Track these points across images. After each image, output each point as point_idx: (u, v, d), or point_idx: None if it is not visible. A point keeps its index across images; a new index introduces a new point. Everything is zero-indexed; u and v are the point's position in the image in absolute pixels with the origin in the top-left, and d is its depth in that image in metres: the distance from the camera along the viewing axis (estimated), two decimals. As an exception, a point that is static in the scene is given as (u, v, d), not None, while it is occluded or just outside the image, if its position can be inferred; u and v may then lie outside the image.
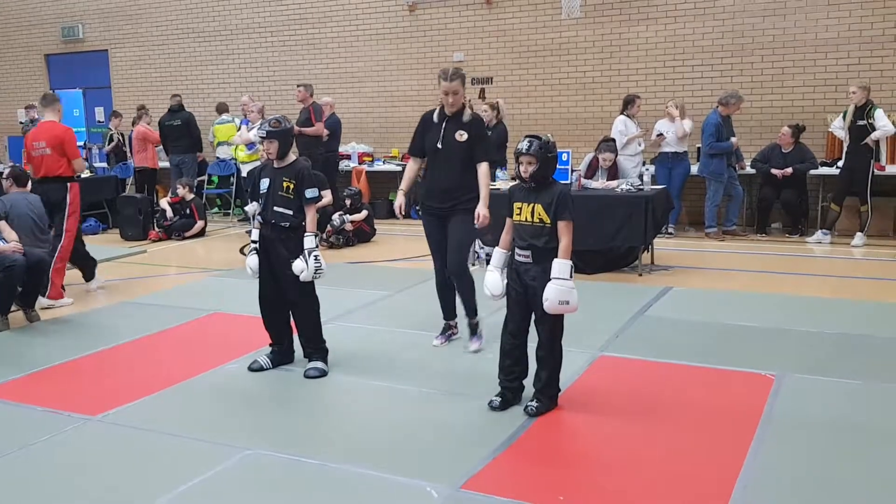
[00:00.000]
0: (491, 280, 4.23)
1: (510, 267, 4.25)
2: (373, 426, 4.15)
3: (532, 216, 4.09)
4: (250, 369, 4.99)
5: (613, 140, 8.80)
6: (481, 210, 4.94)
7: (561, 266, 3.98)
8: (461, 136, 5.02)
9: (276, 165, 4.92)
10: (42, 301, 6.66)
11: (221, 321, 6.32)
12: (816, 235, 9.31)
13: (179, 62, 14.41)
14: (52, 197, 6.93)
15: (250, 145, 11.19)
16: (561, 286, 3.94)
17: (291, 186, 4.83)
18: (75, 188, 6.99)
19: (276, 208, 4.84)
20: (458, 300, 5.35)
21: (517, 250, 4.18)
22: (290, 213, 4.83)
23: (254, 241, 4.98)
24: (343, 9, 12.89)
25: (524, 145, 4.08)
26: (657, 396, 4.46)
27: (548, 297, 3.95)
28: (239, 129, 11.60)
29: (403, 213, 5.56)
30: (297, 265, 4.73)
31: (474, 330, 5.32)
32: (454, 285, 5.28)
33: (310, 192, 4.83)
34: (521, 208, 4.16)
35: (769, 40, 10.34)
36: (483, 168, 5.05)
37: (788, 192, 9.64)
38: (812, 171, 9.69)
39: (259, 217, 4.95)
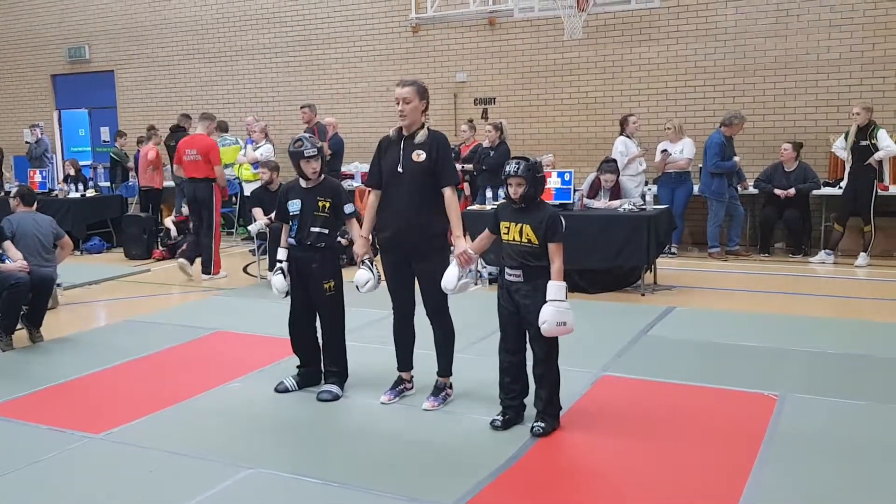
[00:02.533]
0: (448, 274, 4.31)
1: (500, 286, 4.27)
2: (373, 445, 4.14)
3: (520, 236, 4.11)
4: (276, 391, 4.95)
5: (615, 161, 8.83)
6: (458, 247, 4.31)
7: (556, 288, 4.00)
8: (418, 156, 4.43)
9: (304, 185, 4.86)
10: (201, 276, 8.80)
11: (224, 340, 6.32)
12: (820, 255, 9.30)
13: (184, 83, 14.52)
14: (199, 195, 8.92)
15: (255, 164, 11.25)
16: (557, 308, 3.97)
17: (328, 205, 4.79)
18: (217, 189, 8.96)
19: (313, 229, 4.78)
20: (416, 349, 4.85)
21: (507, 269, 4.21)
22: (327, 232, 4.82)
23: (280, 261, 4.90)
24: (347, 30, 13.00)
25: (512, 168, 4.12)
26: (660, 416, 4.44)
27: (545, 319, 3.97)
28: (244, 148, 11.66)
29: (369, 260, 4.72)
30: (362, 275, 4.62)
31: (440, 390, 4.69)
32: (413, 332, 4.77)
33: (348, 208, 4.84)
34: (508, 227, 4.18)
35: (771, 61, 10.40)
36: (448, 193, 4.42)
37: (791, 211, 9.64)
38: (815, 192, 9.70)
39: (292, 239, 4.85)
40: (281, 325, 6.60)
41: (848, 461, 3.80)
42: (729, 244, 9.80)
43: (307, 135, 4.87)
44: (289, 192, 4.91)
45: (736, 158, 9.58)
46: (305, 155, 4.74)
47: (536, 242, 4.09)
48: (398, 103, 4.53)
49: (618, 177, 8.37)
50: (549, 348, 4.16)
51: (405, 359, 4.83)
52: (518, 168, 4.10)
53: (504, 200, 4.33)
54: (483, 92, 12.14)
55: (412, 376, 4.87)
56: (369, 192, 4.70)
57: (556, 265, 4.06)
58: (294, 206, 4.80)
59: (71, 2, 15.38)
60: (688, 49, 10.83)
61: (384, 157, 4.60)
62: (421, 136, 4.50)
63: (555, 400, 4.22)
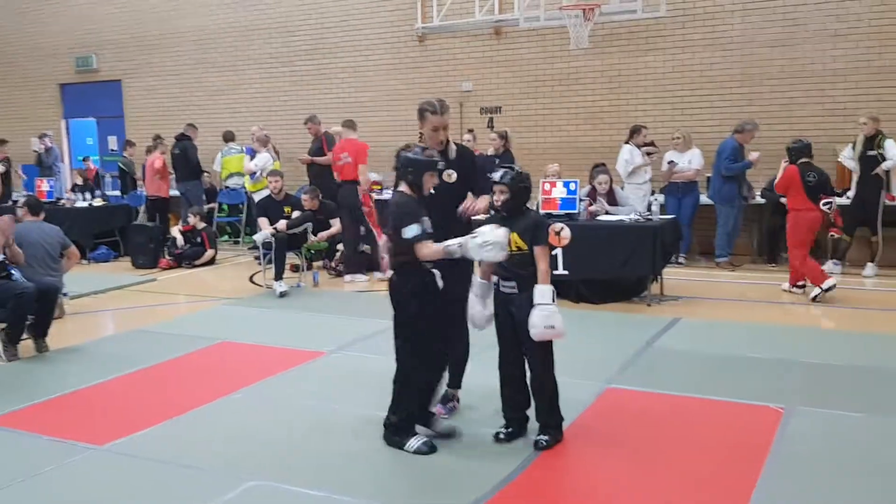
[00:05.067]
0: (473, 311, 4.25)
1: (496, 298, 4.26)
2: (378, 457, 4.13)
3: (510, 245, 4.08)
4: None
5: (604, 164, 8.85)
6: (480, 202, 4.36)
7: (542, 291, 4.03)
8: (449, 176, 4.40)
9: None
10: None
11: (229, 350, 6.32)
12: (827, 265, 9.23)
13: (191, 92, 14.58)
14: (350, 200, 9.17)
15: (252, 175, 11.29)
16: (544, 311, 3.98)
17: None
18: (364, 193, 9.33)
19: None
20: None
21: (501, 281, 4.22)
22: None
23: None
24: (353, 40, 13.03)
25: (497, 175, 4.19)
26: (664, 430, 4.42)
27: (533, 323, 3.98)
28: (252, 158, 11.67)
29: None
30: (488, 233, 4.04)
31: (448, 399, 4.69)
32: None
33: (407, 232, 4.12)
34: None
35: (778, 70, 10.38)
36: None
37: (798, 221, 9.57)
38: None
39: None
40: (286, 336, 6.65)
41: (855, 476, 3.77)
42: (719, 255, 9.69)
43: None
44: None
45: (754, 154, 9.48)
46: (439, 167, 4.20)
47: (525, 248, 4.12)
48: (437, 131, 4.45)
49: (611, 180, 8.29)
50: (543, 357, 4.16)
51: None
52: (503, 176, 4.16)
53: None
54: (489, 101, 12.15)
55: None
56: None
57: (542, 267, 4.09)
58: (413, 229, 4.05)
59: (79, 12, 15.47)
60: (694, 58, 10.82)
61: None
62: (452, 153, 4.51)
63: (555, 411, 4.20)
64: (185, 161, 12.02)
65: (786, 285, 8.18)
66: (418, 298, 4.10)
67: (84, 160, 13.79)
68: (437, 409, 4.56)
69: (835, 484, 3.69)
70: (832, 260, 9.28)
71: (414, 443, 4.13)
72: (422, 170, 4.12)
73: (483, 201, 4.39)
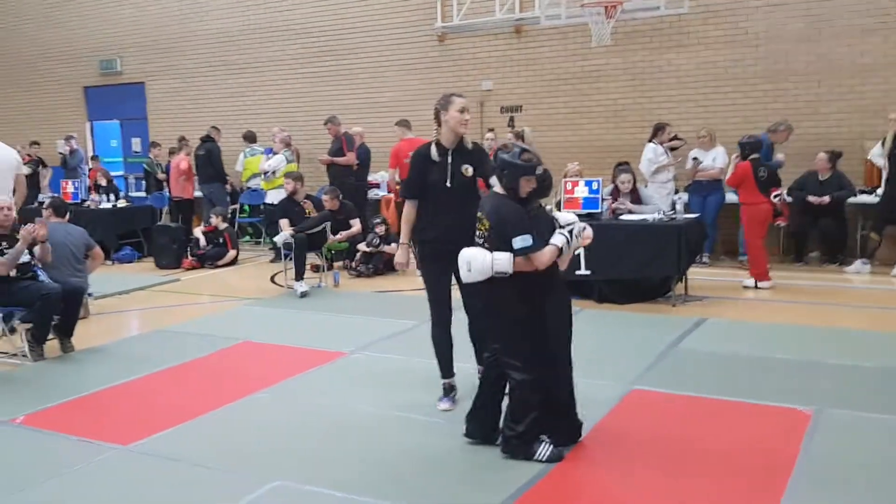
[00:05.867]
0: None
1: None
2: (397, 460, 4.10)
3: None
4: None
5: (627, 162, 8.78)
6: None
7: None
8: (467, 170, 4.59)
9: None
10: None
11: (252, 350, 6.33)
12: (855, 265, 9.11)
13: (213, 94, 14.65)
14: None
15: (265, 174, 11.35)
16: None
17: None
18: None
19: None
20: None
21: None
22: None
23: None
24: (373, 40, 13.03)
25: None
26: (690, 432, 4.36)
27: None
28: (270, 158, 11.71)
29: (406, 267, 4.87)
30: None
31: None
32: (451, 339, 4.82)
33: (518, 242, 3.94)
34: None
35: (803, 66, 10.24)
36: None
37: (826, 220, 9.47)
38: (850, 199, 9.51)
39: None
40: (308, 336, 6.65)
41: (886, 481, 3.68)
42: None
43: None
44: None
45: (780, 156, 9.39)
46: (537, 173, 4.03)
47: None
48: (464, 112, 4.56)
49: (635, 179, 8.24)
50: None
51: (449, 365, 4.86)
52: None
53: None
54: (509, 100, 12.10)
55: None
56: (403, 201, 4.72)
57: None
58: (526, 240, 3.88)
59: (103, 16, 15.60)
60: (718, 55, 10.70)
61: (429, 172, 4.62)
62: (469, 143, 4.68)
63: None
64: (210, 163, 12.06)
65: (749, 282, 8.37)
66: (526, 304, 3.96)
67: (93, 159, 13.89)
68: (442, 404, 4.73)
69: (867, 489, 3.62)
70: (861, 259, 9.14)
71: (544, 451, 3.94)
72: (518, 174, 3.97)
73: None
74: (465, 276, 3.99)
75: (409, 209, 4.69)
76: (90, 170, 13.43)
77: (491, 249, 3.94)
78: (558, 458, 3.93)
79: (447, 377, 4.87)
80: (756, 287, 8.23)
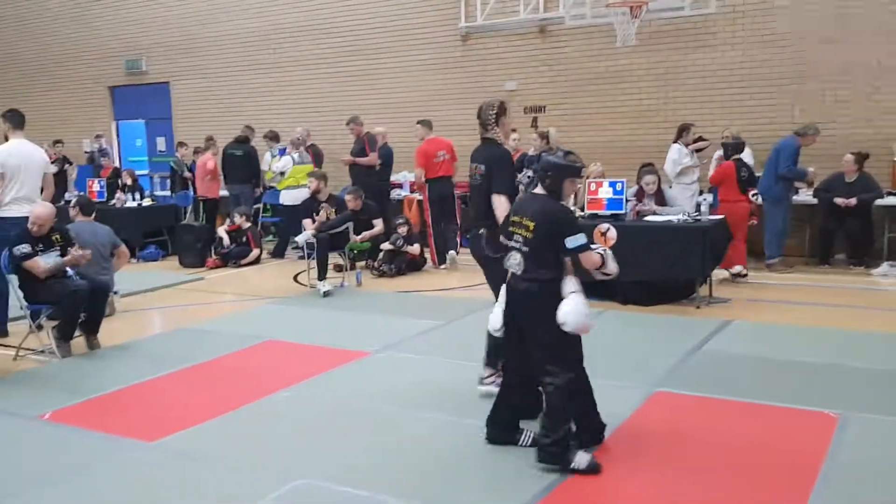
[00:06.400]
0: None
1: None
2: (421, 460, 4.10)
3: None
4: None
5: (651, 164, 8.75)
6: None
7: None
8: (477, 168, 4.96)
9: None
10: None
11: (275, 349, 6.36)
12: (882, 267, 8.99)
13: (237, 94, 14.74)
14: (446, 192, 9.90)
15: (275, 175, 11.45)
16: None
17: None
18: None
19: None
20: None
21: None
22: None
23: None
24: (396, 39, 13.05)
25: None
26: (714, 435, 4.32)
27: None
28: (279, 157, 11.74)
29: None
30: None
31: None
32: None
33: (571, 242, 3.90)
34: None
35: (829, 67, 10.12)
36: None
37: (852, 222, 9.36)
38: (877, 201, 9.39)
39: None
40: (331, 335, 6.67)
41: (917, 486, 3.63)
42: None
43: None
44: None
45: (810, 169, 9.33)
46: (573, 173, 4.00)
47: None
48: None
49: (659, 181, 8.23)
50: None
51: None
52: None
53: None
54: (533, 100, 12.06)
55: None
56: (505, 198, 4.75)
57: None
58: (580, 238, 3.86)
59: (128, 15, 15.76)
60: (744, 55, 10.61)
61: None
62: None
63: None
64: (248, 164, 12.07)
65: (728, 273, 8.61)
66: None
67: (103, 156, 14.00)
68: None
69: (894, 496, 3.57)
70: (888, 262, 9.03)
71: (582, 460, 3.81)
72: (564, 175, 3.90)
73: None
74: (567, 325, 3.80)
75: (508, 206, 4.59)
76: (103, 168, 13.51)
77: (533, 253, 3.85)
78: (595, 469, 3.80)
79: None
80: (732, 275, 8.62)
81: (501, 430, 4.19)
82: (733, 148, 8.90)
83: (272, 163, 11.85)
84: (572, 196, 4.21)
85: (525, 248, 3.89)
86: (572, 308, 3.81)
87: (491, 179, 4.85)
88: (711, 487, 3.69)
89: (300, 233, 8.95)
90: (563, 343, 3.86)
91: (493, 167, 4.86)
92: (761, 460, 3.97)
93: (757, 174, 9.67)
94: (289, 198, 10.77)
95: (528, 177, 9.88)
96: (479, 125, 4.99)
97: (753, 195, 8.48)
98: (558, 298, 3.83)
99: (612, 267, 4.04)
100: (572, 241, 3.78)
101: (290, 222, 11.25)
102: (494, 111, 4.90)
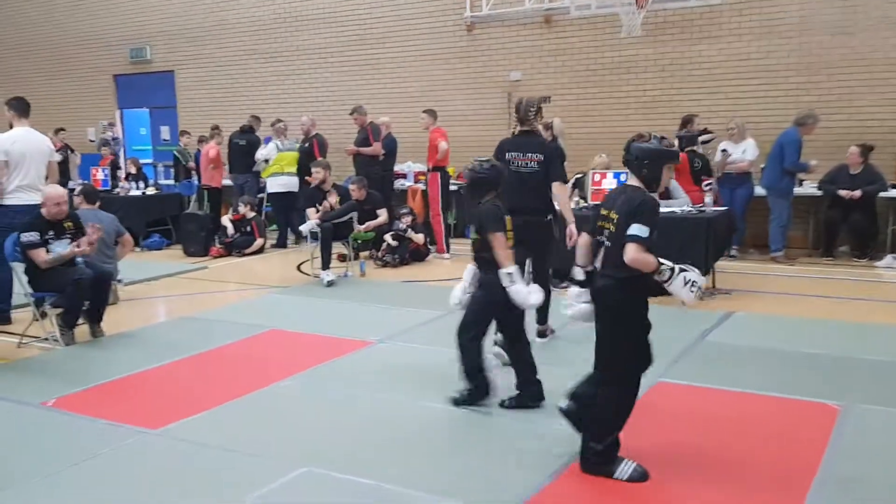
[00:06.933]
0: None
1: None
2: (425, 447, 4.12)
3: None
4: None
5: None
6: None
7: (503, 273, 4.42)
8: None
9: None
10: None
11: (279, 338, 6.38)
12: (886, 260, 8.99)
13: (241, 83, 14.74)
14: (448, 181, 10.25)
15: (257, 163, 11.51)
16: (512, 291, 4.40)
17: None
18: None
19: None
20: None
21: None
22: None
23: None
24: (402, 29, 13.02)
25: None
26: (716, 425, 4.33)
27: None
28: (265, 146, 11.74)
29: None
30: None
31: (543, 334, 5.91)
32: None
33: (635, 230, 3.62)
34: None
35: (836, 59, 10.09)
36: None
37: (857, 214, 9.34)
38: (882, 194, 9.37)
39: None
40: (334, 325, 6.69)
41: (918, 477, 3.64)
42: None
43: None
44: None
45: (813, 162, 9.30)
46: (671, 158, 3.79)
47: (477, 236, 4.59)
48: None
49: None
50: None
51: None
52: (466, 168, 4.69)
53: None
54: (538, 91, 11.96)
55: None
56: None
57: (497, 252, 4.44)
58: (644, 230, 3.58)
59: (133, 4, 15.75)
60: (750, 46, 10.57)
61: None
62: None
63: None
64: (252, 154, 12.09)
65: None
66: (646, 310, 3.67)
67: (104, 146, 14.02)
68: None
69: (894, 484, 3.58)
70: (892, 254, 9.03)
71: (627, 469, 3.66)
72: (663, 161, 3.68)
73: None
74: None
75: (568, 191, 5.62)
76: (102, 157, 13.52)
77: (613, 248, 3.61)
78: (643, 478, 3.64)
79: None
80: None
81: (579, 407, 3.89)
82: (687, 140, 9.28)
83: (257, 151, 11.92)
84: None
85: (608, 243, 3.67)
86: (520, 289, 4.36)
87: (549, 168, 5.56)
88: (712, 477, 3.69)
89: (291, 218, 8.97)
90: (630, 346, 3.68)
91: (553, 158, 5.60)
92: (762, 451, 3.98)
93: (762, 166, 9.67)
94: (275, 185, 10.90)
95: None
96: (518, 119, 5.68)
97: (707, 185, 8.50)
98: (635, 298, 3.67)
99: (682, 292, 3.63)
100: (633, 229, 3.50)
101: (279, 209, 11.30)
102: (535, 108, 5.64)
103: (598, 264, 3.77)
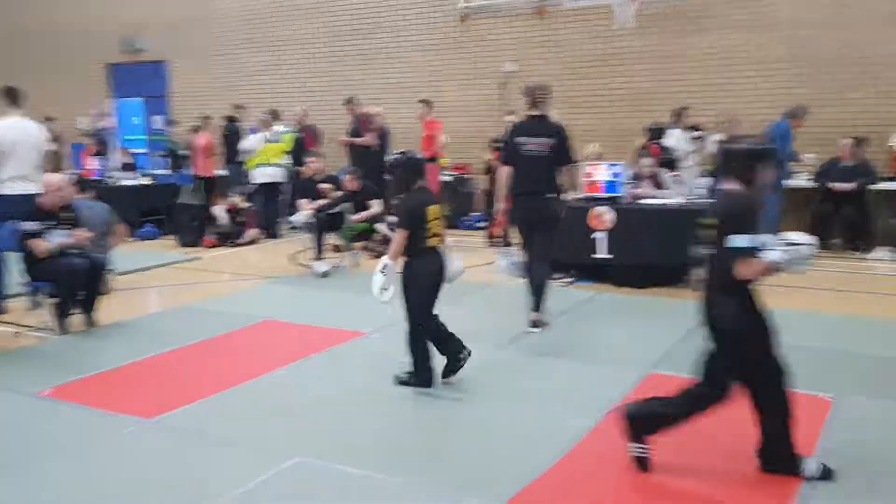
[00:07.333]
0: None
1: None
2: (420, 436, 4.16)
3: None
4: None
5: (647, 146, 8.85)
6: None
7: (381, 261, 4.82)
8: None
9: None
10: None
11: (272, 328, 6.39)
12: (878, 253, 9.04)
13: (235, 72, 14.69)
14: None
15: (242, 153, 11.48)
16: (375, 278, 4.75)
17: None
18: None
19: None
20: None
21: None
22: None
23: None
24: (394, 20, 13.00)
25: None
26: (707, 417, 4.35)
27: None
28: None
29: None
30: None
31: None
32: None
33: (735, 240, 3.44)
34: None
35: (827, 52, 10.12)
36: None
37: (849, 207, 9.39)
38: (873, 186, 9.42)
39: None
40: (328, 315, 6.70)
41: (906, 467, 3.68)
42: None
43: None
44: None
45: (803, 157, 9.38)
46: (770, 156, 3.60)
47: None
48: None
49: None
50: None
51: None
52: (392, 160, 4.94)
53: None
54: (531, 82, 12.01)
55: None
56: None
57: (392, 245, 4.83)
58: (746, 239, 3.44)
59: (126, -8, 15.67)
60: (742, 39, 10.60)
61: None
62: None
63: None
64: (234, 143, 12.08)
65: None
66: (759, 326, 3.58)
67: (89, 135, 13.95)
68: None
69: (887, 475, 3.61)
70: (883, 247, 9.07)
71: (811, 466, 3.62)
72: (762, 161, 3.50)
73: None
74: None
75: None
76: (85, 147, 13.47)
77: (713, 256, 3.50)
78: (828, 475, 3.58)
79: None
80: None
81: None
82: (654, 133, 9.65)
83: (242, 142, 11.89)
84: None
85: (707, 252, 3.55)
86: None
87: (562, 152, 5.84)
88: (704, 468, 3.73)
89: (275, 209, 8.97)
90: (757, 370, 3.62)
91: (566, 141, 5.89)
92: (753, 441, 4.01)
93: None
94: (261, 175, 10.90)
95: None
96: (528, 104, 5.95)
97: (674, 177, 8.70)
98: (738, 310, 3.58)
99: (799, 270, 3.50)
100: (734, 240, 3.28)
101: (265, 199, 11.27)
102: (544, 92, 5.95)
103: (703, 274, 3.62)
